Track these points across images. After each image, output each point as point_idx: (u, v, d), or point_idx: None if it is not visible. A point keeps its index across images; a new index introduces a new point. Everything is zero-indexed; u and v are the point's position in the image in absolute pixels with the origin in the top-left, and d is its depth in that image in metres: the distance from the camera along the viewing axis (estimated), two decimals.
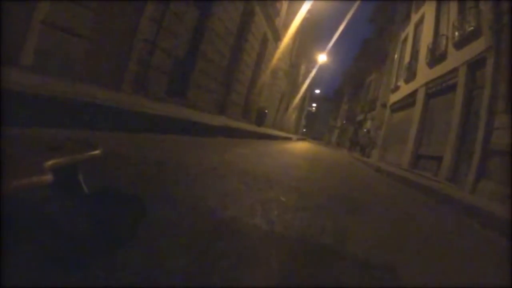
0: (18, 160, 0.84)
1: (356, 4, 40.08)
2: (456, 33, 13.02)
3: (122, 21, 7.82)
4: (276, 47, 21.99)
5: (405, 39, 22.25)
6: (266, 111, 20.44)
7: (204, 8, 11.09)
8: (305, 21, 30.76)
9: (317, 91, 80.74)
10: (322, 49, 41.84)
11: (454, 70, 12.73)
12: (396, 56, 24.08)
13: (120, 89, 7.93)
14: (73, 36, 6.37)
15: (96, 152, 1.11)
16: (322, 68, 51.39)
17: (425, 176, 11.45)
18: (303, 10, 22.40)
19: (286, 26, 22.81)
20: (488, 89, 10.40)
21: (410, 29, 21.13)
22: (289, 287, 1.29)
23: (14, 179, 0.69)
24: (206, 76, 11.90)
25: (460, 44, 12.65)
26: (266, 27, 18.57)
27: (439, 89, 14.15)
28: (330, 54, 45.55)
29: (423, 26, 18.38)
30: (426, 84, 15.35)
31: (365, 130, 30.58)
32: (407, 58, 20.35)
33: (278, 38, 21.61)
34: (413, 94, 17.12)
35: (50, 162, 0.86)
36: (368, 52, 40.61)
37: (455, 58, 12.82)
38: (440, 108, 13.93)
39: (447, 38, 14.11)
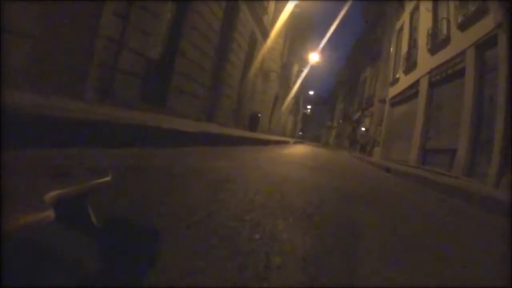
0: (12, 191, 0.70)
1: (349, 2, 38.88)
2: (459, 14, 11.91)
3: (78, 17, 6.61)
4: (266, 47, 20.83)
5: (401, 29, 21.16)
6: (260, 115, 19.23)
7: (181, 2, 9.92)
8: (295, 20, 29.81)
9: (311, 93, 79.71)
10: (314, 49, 40.78)
11: (461, 54, 11.63)
12: (392, 47, 22.98)
13: (81, 97, 6.73)
14: (15, 36, 5.16)
15: (106, 179, 0.99)
16: (315, 69, 50.27)
17: (442, 173, 10.29)
18: (290, 5, 21.30)
19: (275, 25, 21.69)
20: (503, 69, 9.30)
21: (405, 18, 20.06)
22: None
23: (5, 218, 0.60)
24: (189, 79, 10.69)
25: (464, 25, 11.57)
26: (254, 25, 17.41)
27: (444, 76, 13.01)
28: (323, 53, 44.36)
29: (419, 12, 17.31)
30: (429, 72, 14.21)
31: (363, 128, 29.58)
32: (404, 48, 19.27)
33: (267, 37, 20.46)
34: (414, 84, 16.01)
35: (52, 194, 0.75)
36: (361, 48, 39.75)
37: (461, 41, 11.72)
38: (448, 97, 12.78)
39: (448, 21, 13.01)
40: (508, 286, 1.59)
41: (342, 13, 38.22)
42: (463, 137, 10.64)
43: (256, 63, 19.72)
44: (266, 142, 11.03)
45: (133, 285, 0.92)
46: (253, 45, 18.52)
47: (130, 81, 7.77)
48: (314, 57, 39.33)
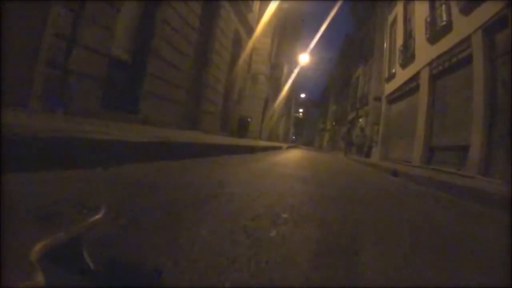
0: None
1: (339, 2, 37.87)
2: None
3: (22, 10, 5.37)
4: (252, 48, 19.64)
5: (394, 21, 20.10)
6: (249, 120, 17.97)
7: None
8: (284, 20, 28.81)
9: (303, 96, 78.72)
10: (304, 50, 39.73)
11: (466, 40, 10.54)
12: (385, 42, 21.90)
13: (26, 106, 5.47)
14: None
15: (98, 216, 0.89)
16: (306, 70, 49.35)
17: (461, 175, 9.14)
18: (274, 3, 20.26)
19: (262, 24, 20.52)
20: None
21: (398, 9, 19.00)
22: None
23: None
24: (164, 82, 9.41)
25: (468, 8, 10.48)
26: (238, 24, 16.16)
27: (448, 66, 11.88)
28: (313, 54, 43.40)
29: (413, 2, 16.23)
30: (430, 63, 13.09)
31: (358, 129, 28.43)
32: (399, 41, 18.14)
33: (253, 36, 19.22)
34: (414, 78, 14.89)
35: (38, 247, 0.66)
36: (352, 46, 38.87)
37: (465, 26, 10.64)
38: (453, 88, 11.66)
39: (448, 6, 11.90)
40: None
41: (332, 13, 37.23)
42: (475, 132, 9.49)
43: (243, 65, 18.48)
44: (255, 149, 9.73)
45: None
46: (238, 45, 17.26)
47: (87, 85, 6.47)
48: (304, 58, 38.27)
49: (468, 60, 10.36)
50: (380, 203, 3.53)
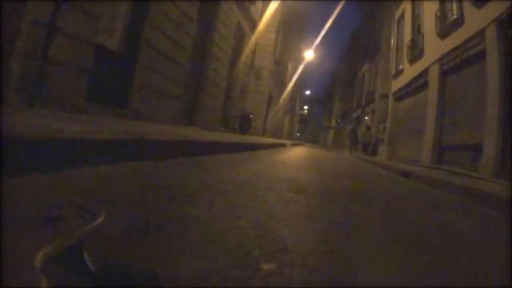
0: None
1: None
2: None
3: None
4: (256, 42, 19.09)
5: (401, 17, 19.46)
6: (252, 116, 17.42)
7: None
8: (288, 16, 28.31)
9: (308, 92, 77.99)
10: (309, 46, 39.16)
11: (479, 34, 9.94)
12: (392, 39, 21.26)
13: (3, 100, 5.00)
14: None
15: (99, 220, 0.88)
16: (311, 67, 48.83)
17: (478, 177, 8.55)
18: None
19: (266, 19, 19.98)
20: None
21: (406, 4, 18.34)
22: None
23: None
24: (159, 75, 8.91)
25: (481, 1, 9.83)
26: (240, 16, 15.61)
27: (459, 62, 11.27)
28: (318, 51, 42.85)
29: None
30: (440, 59, 12.47)
31: (363, 127, 27.87)
32: (407, 37, 17.49)
33: (256, 30, 18.65)
34: (423, 74, 14.26)
35: (41, 253, 0.66)
36: (358, 43, 38.29)
37: (477, 19, 10.08)
38: (464, 84, 11.07)
39: None
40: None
41: (337, 9, 36.61)
42: (489, 130, 8.92)
43: (246, 59, 17.95)
44: (256, 147, 9.20)
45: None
46: (240, 39, 16.73)
47: (70, 76, 5.98)
48: (309, 54, 37.69)
49: (481, 55, 9.78)
50: (400, 222, 2.98)
